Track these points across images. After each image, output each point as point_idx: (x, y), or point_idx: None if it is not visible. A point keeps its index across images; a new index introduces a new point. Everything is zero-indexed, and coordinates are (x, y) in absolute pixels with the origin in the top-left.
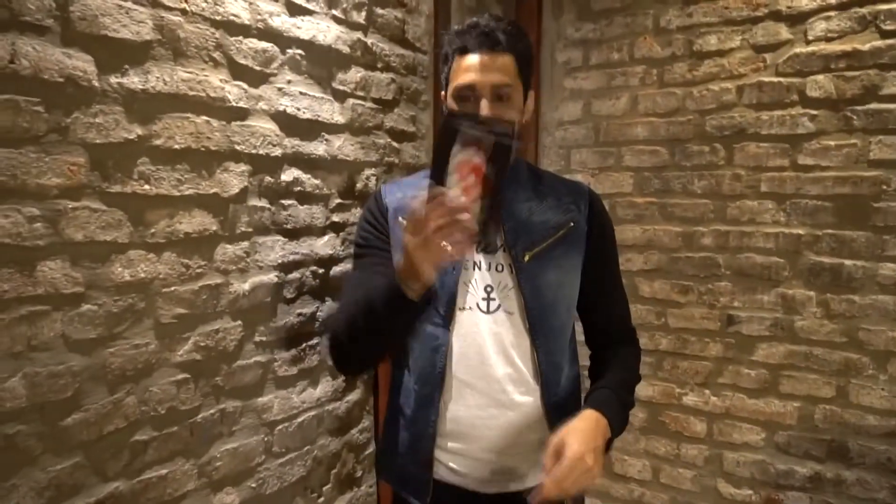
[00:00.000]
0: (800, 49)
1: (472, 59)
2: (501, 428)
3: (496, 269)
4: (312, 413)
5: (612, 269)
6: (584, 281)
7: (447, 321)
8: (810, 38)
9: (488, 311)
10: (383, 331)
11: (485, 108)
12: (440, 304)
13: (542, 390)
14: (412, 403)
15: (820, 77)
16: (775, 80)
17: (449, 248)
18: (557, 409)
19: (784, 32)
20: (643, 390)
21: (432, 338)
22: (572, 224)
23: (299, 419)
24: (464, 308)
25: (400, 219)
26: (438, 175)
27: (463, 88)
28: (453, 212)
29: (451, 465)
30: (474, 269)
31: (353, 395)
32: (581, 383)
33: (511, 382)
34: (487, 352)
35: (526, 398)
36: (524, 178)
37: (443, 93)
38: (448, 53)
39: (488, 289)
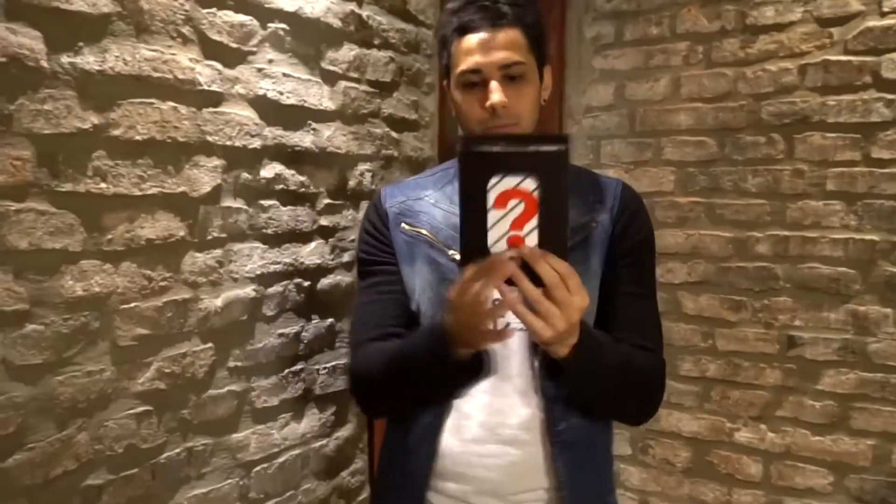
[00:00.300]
0: (873, 23)
1: (473, 38)
2: (501, 468)
3: (507, 282)
4: (296, 452)
5: (640, 278)
6: (603, 290)
7: None
8: (885, 9)
9: None
10: (427, 389)
11: (495, 90)
12: None
13: (547, 424)
14: (409, 435)
15: None
16: (844, 58)
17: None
18: (565, 448)
19: (854, 3)
20: (686, 425)
21: None
22: (594, 224)
23: (280, 459)
24: None
25: (403, 224)
26: (474, 217)
27: (467, 73)
28: (502, 275)
29: None
30: None
31: (345, 431)
32: (605, 426)
33: (513, 415)
34: (490, 379)
35: (529, 434)
36: None
37: (445, 82)
38: (446, 36)
39: (496, 303)
